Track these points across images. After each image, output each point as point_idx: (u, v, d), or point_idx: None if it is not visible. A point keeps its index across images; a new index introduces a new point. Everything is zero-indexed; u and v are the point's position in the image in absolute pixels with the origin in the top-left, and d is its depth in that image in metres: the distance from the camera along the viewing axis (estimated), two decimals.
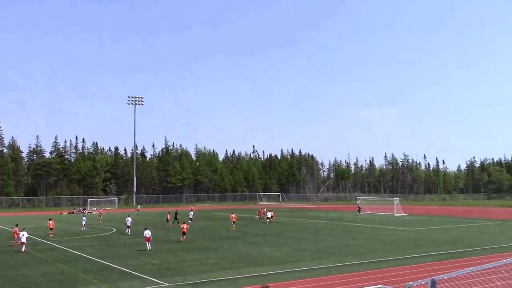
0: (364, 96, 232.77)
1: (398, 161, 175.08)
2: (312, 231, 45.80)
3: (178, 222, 49.53)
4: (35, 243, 36.84)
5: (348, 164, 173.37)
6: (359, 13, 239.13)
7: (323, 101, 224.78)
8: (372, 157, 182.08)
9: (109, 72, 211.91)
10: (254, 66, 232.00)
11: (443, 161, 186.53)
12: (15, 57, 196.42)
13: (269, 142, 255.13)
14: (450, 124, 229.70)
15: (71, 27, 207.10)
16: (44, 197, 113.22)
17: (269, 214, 56.28)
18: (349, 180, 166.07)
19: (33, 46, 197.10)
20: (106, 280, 22.11)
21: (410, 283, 10.15)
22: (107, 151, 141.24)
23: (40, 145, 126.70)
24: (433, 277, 9.20)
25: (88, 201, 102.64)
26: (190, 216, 55.84)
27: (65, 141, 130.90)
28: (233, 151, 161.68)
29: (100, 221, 60.22)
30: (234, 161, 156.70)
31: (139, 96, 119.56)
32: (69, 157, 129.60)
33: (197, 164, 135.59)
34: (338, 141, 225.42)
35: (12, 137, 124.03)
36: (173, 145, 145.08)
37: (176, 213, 54.68)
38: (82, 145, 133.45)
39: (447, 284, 10.56)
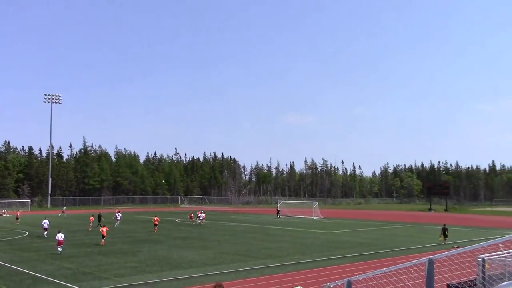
0: (285, 102, 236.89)
1: (317, 166, 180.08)
2: (233, 234, 46.08)
3: (100, 225, 48.27)
4: None
5: (269, 168, 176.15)
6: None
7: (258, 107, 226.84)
8: (293, 161, 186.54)
9: (24, 69, 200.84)
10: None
11: (359, 166, 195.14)
12: None
13: (192, 146, 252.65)
14: (366, 131, 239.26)
15: None
16: None
17: (201, 216, 58.98)
18: (270, 184, 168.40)
19: None
20: (16, 286, 21.05)
21: (328, 284, 10.47)
22: (20, 150, 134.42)
23: None
24: (349, 278, 9.55)
25: None
26: (118, 218, 55.50)
27: None
28: (155, 153, 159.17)
29: (18, 223, 57.26)
30: (156, 163, 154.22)
31: (56, 94, 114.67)
32: None
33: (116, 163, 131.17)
34: (259, 145, 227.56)
35: None
36: (92, 146, 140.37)
37: (99, 216, 53.39)
38: None
39: (362, 285, 11.00)
